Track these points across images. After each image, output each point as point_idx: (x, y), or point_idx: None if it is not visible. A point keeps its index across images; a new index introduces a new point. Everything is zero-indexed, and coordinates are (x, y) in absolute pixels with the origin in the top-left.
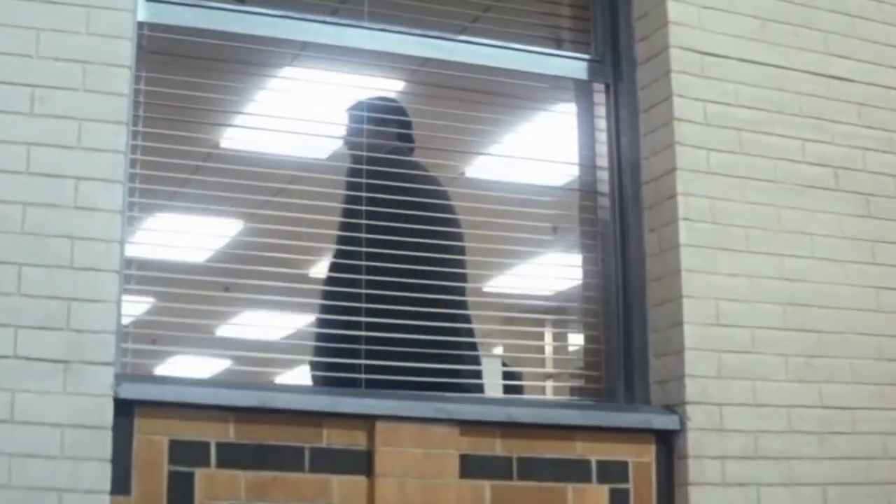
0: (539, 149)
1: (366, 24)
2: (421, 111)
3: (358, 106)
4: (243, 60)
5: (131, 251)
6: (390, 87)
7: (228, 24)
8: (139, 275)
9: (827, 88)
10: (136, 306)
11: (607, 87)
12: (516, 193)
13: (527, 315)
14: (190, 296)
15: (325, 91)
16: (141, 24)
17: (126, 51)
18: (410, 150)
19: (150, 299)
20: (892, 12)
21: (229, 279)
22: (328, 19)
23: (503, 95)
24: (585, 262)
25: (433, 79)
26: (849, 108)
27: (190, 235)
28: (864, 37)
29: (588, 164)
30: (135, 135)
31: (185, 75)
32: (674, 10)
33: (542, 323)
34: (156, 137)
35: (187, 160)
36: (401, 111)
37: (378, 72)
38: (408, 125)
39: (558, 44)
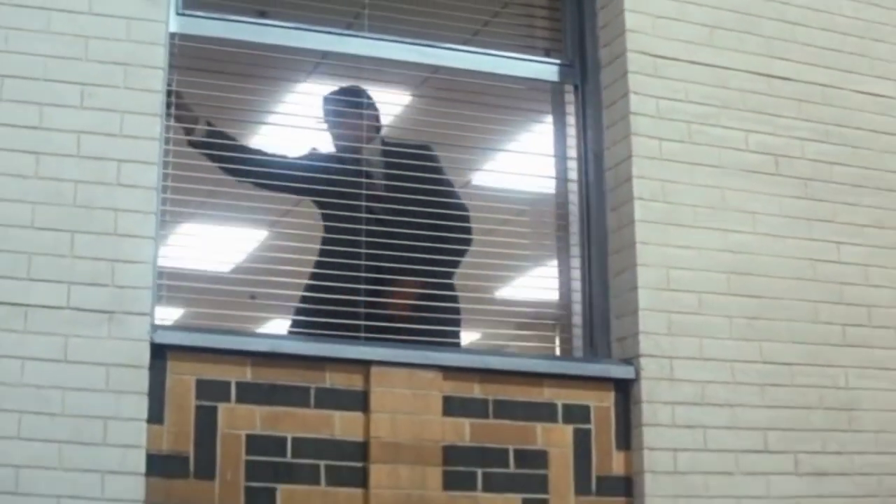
0: (519, 143)
1: (372, 35)
2: (422, 120)
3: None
4: (263, 71)
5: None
6: (392, 97)
7: (250, 34)
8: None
9: (768, 86)
10: None
11: (576, 87)
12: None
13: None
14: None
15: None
16: (172, 35)
17: (160, 55)
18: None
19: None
20: (828, 19)
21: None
22: (342, 31)
23: (488, 95)
24: (557, 238)
25: (431, 90)
26: (789, 104)
27: (216, 244)
28: (802, 41)
29: (560, 155)
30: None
31: (210, 85)
32: (631, 20)
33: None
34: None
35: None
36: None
37: (383, 81)
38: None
39: (535, 50)
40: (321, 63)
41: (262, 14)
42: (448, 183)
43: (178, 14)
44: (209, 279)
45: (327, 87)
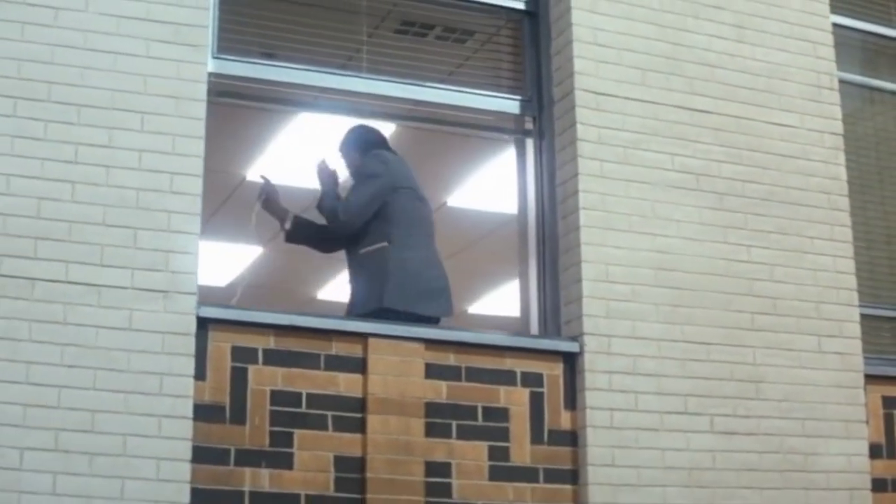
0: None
1: (364, 74)
2: (407, 149)
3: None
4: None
5: None
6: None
7: (265, 73)
8: None
9: (691, 118)
10: None
11: (534, 118)
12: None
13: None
14: None
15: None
16: (210, 74)
17: (202, 90)
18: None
19: None
20: (741, 62)
21: None
22: (337, 71)
23: (461, 125)
24: (519, 241)
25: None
26: (707, 132)
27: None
28: (719, 80)
29: (521, 174)
30: None
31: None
32: (578, 64)
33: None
34: None
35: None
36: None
37: (372, 115)
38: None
39: (500, 88)
40: (319, 97)
41: (269, 55)
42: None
43: (213, 57)
44: None
45: (325, 119)
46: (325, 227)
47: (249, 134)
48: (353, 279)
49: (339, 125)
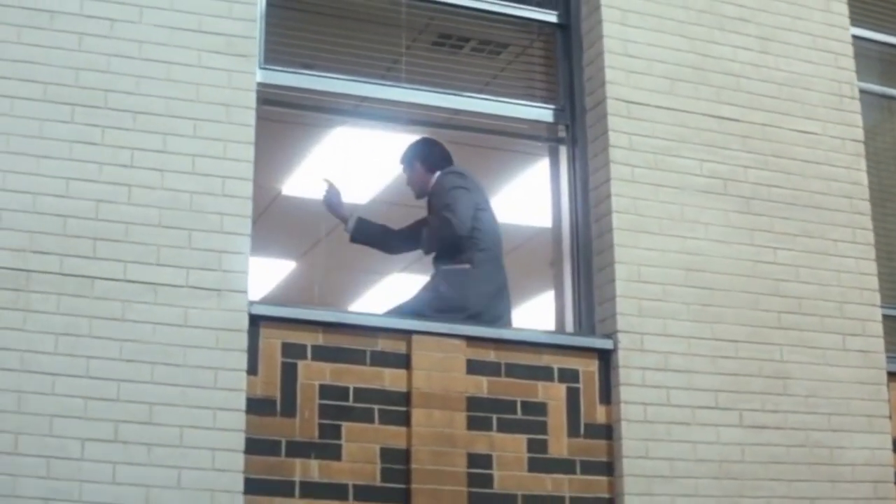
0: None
1: (403, 84)
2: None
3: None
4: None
5: None
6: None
7: (309, 83)
8: None
9: (718, 125)
10: None
11: (567, 126)
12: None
13: None
14: None
15: (370, 146)
16: (258, 84)
17: (251, 98)
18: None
19: None
20: (766, 72)
21: None
22: (377, 81)
23: (499, 134)
24: (554, 245)
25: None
26: (734, 139)
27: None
28: (745, 90)
29: (555, 180)
30: None
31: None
32: (609, 74)
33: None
34: None
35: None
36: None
37: (411, 124)
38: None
39: (534, 98)
40: (360, 106)
41: (312, 66)
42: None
43: (260, 68)
44: None
45: (359, 134)
46: (391, 230)
47: (286, 149)
48: (430, 285)
49: (374, 139)
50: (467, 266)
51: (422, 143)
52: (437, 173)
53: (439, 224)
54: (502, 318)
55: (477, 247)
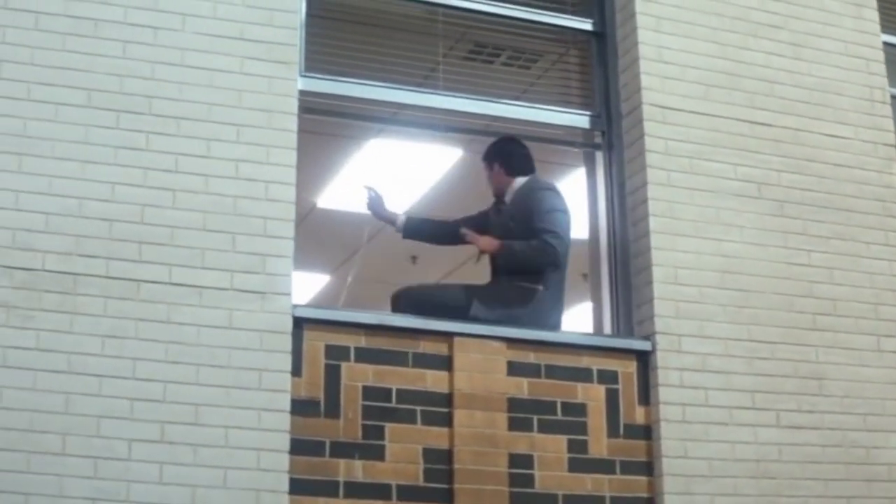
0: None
1: (441, 91)
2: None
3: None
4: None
5: None
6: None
7: (348, 90)
8: None
9: (751, 130)
10: None
11: (603, 132)
12: None
13: None
14: None
15: (404, 159)
16: (300, 91)
17: (293, 104)
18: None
19: None
20: (798, 77)
21: None
22: (415, 88)
23: (536, 140)
24: (591, 248)
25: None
26: (767, 143)
27: None
28: (778, 95)
29: (591, 184)
30: None
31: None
32: (645, 80)
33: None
34: None
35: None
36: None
37: (448, 131)
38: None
39: (571, 104)
40: (398, 113)
41: (351, 75)
42: None
43: (300, 75)
44: None
45: (393, 146)
46: (443, 223)
47: (321, 162)
48: (495, 292)
49: (408, 151)
50: (540, 287)
51: (505, 143)
52: (518, 179)
53: (541, 249)
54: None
55: (549, 270)
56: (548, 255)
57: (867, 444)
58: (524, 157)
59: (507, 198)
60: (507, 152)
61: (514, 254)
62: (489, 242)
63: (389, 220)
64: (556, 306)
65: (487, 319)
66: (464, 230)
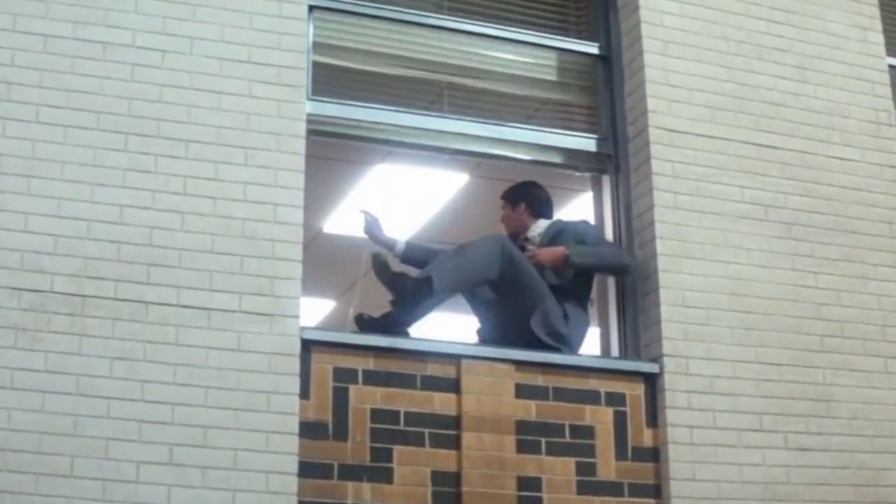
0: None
1: (447, 115)
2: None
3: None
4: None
5: None
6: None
7: (351, 113)
8: None
9: (758, 153)
10: None
11: (609, 156)
12: None
13: None
14: None
15: (409, 185)
16: (308, 115)
17: (301, 127)
18: None
19: None
20: (805, 101)
21: None
22: (422, 111)
23: (543, 164)
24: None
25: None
26: (774, 166)
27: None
28: (784, 118)
29: (598, 207)
30: None
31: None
32: (651, 104)
33: None
34: None
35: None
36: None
37: (455, 154)
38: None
39: (578, 128)
40: (402, 139)
41: (356, 98)
42: None
43: (308, 99)
44: None
45: (399, 171)
46: (441, 252)
47: (326, 188)
48: (552, 310)
49: (412, 177)
50: (582, 311)
51: (533, 186)
52: (541, 221)
53: (615, 250)
54: None
55: (591, 294)
56: (622, 255)
57: (875, 465)
58: (549, 201)
59: (531, 234)
60: (535, 195)
61: (587, 255)
62: (551, 253)
63: (387, 244)
64: (586, 330)
65: (546, 336)
66: (531, 251)
